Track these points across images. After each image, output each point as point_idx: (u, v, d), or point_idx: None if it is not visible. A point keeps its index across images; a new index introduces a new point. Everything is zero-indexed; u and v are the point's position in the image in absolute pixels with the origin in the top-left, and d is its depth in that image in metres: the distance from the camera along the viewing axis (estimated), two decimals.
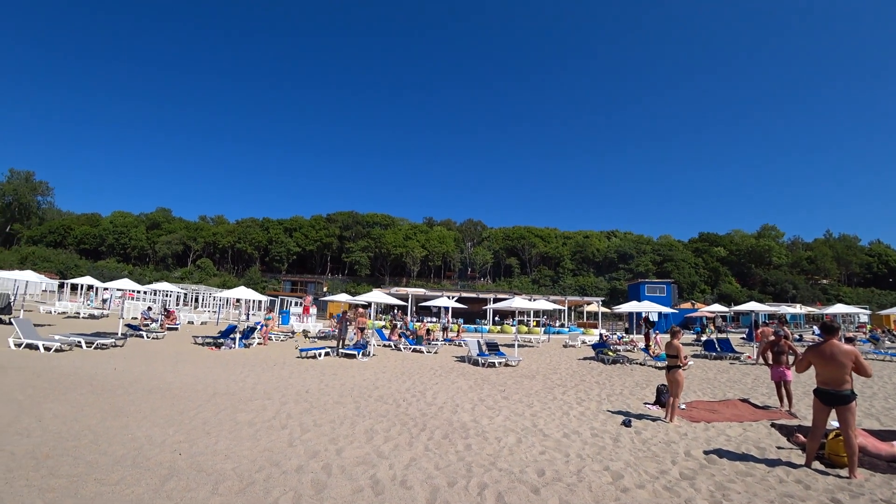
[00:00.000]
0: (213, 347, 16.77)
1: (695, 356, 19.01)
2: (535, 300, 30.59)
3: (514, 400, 9.76)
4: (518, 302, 24.18)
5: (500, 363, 15.45)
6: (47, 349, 13.17)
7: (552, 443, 6.64)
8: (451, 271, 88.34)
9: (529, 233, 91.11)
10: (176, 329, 23.45)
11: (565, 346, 23.75)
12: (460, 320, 35.36)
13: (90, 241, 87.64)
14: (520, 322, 35.22)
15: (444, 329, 27.81)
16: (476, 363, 15.56)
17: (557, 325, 37.77)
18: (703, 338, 26.09)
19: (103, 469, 4.88)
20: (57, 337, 14.29)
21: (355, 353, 16.06)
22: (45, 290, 41.71)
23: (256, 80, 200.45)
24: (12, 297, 24.86)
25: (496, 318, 38.47)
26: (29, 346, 13.30)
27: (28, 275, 24.78)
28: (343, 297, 26.31)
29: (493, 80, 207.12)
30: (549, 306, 26.98)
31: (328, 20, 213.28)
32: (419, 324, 27.08)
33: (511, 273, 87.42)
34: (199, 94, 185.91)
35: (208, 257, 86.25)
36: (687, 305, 49.56)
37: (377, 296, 22.74)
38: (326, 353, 15.97)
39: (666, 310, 27.31)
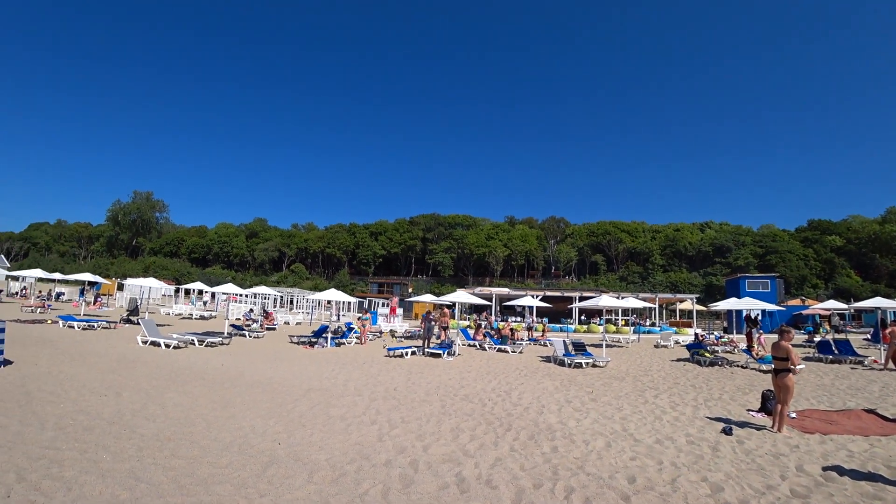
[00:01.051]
0: (308, 346, 17.86)
1: (806, 359, 17.30)
2: (623, 298, 29.39)
3: (603, 402, 9.47)
4: (605, 300, 23.36)
5: (587, 364, 15.04)
6: (167, 346, 14.72)
7: (644, 448, 6.37)
8: (534, 270, 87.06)
9: (615, 228, 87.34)
10: (274, 329, 25.24)
11: (657, 347, 22.58)
12: (545, 319, 34.81)
13: (199, 250, 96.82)
14: (607, 321, 34.00)
15: (529, 329, 27.52)
16: (562, 363, 15.26)
17: (648, 324, 35.96)
18: (817, 338, 23.65)
19: (214, 453, 5.40)
20: (175, 336, 15.94)
21: (441, 352, 16.36)
22: (164, 295, 46.58)
23: (339, 95, 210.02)
24: (139, 301, 28.16)
25: (582, 318, 37.42)
26: (153, 344, 14.94)
27: (151, 282, 28.03)
28: (428, 298, 26.89)
29: (571, 73, 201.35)
30: (639, 304, 25.80)
31: (403, 29, 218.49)
32: (503, 323, 27.03)
33: (597, 270, 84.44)
34: (290, 112, 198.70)
35: (301, 262, 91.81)
36: (796, 302, 45.05)
37: (461, 296, 23.00)
38: (413, 353, 16.42)
39: (770, 307, 24.98)
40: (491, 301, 35.73)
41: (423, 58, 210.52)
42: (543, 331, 27.04)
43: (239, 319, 27.15)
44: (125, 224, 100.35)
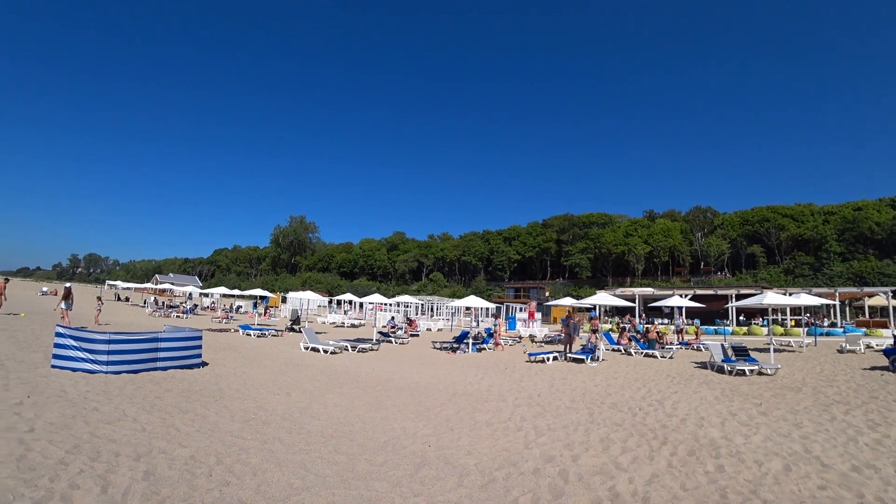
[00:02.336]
0: (450, 351, 18.42)
1: None
2: (791, 294, 25.57)
3: (776, 416, 8.28)
4: (771, 298, 20.48)
5: (751, 371, 13.33)
6: (325, 352, 16.24)
7: (836, 476, 5.40)
8: (680, 266, 79.61)
9: (775, 213, 75.11)
10: (417, 335, 26.51)
11: (841, 352, 19.16)
12: (696, 321, 31.68)
13: (347, 264, 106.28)
14: (773, 321, 29.83)
15: (679, 331, 25.27)
16: (721, 370, 13.73)
17: (826, 324, 30.75)
18: None
19: (371, 452, 5.79)
20: (331, 342, 17.54)
21: (584, 357, 15.76)
22: (319, 306, 51.68)
23: (467, 108, 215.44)
24: (300, 312, 31.60)
25: (740, 318, 33.35)
26: (313, 349, 16.59)
27: (308, 294, 31.39)
28: (567, 301, 26.14)
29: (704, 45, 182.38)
30: (813, 301, 22.13)
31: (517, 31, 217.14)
32: (649, 326, 25.19)
33: (754, 263, 74.01)
34: (422, 132, 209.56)
35: (439, 271, 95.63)
36: None
37: (602, 298, 21.92)
38: (554, 358, 16.06)
39: None
40: (634, 302, 33.54)
41: (546, 55, 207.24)
42: (696, 334, 24.63)
43: (385, 327, 29.02)
44: (285, 245, 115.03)
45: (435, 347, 19.86)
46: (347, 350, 17.14)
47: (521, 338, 25.72)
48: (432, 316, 44.14)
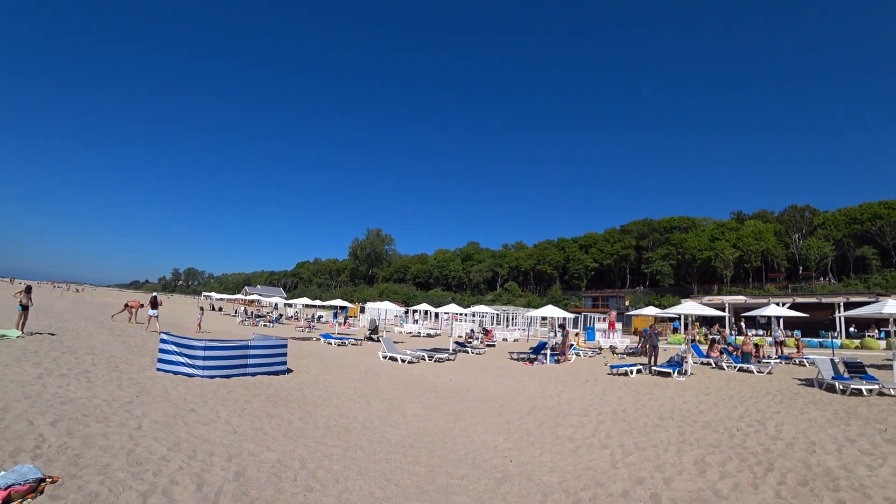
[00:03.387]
0: (527, 362, 18.01)
1: None
2: None
3: None
4: (892, 306, 18.15)
5: (869, 391, 11.79)
6: (403, 361, 16.42)
7: None
8: (775, 272, 72.54)
9: (889, 209, 65.96)
10: (493, 346, 26.23)
11: None
12: (796, 332, 28.84)
13: (422, 275, 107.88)
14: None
15: (778, 344, 23.08)
16: (832, 389, 12.28)
17: None
18: None
19: (451, 464, 5.67)
20: (408, 351, 17.73)
21: (670, 370, 14.77)
22: (396, 315, 52.73)
23: (542, 116, 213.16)
24: (377, 322, 32.40)
25: (851, 329, 29.93)
26: (391, 358, 16.84)
27: (386, 305, 32.13)
28: (650, 311, 24.81)
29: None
30: None
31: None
32: (742, 338, 23.22)
33: (865, 267, 65.28)
34: (494, 142, 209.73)
35: (513, 280, 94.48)
36: None
37: (689, 307, 20.57)
38: (638, 371, 15.19)
39: None
40: (723, 311, 31.15)
41: (618, 57, 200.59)
42: (798, 347, 22.36)
43: (461, 336, 28.99)
44: (363, 257, 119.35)
45: (512, 358, 19.51)
46: (425, 359, 17.23)
47: (600, 349, 24.66)
48: (508, 326, 43.62)
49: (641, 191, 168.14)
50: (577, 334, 32.14)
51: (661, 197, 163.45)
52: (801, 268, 70.30)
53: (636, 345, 24.66)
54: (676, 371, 14.75)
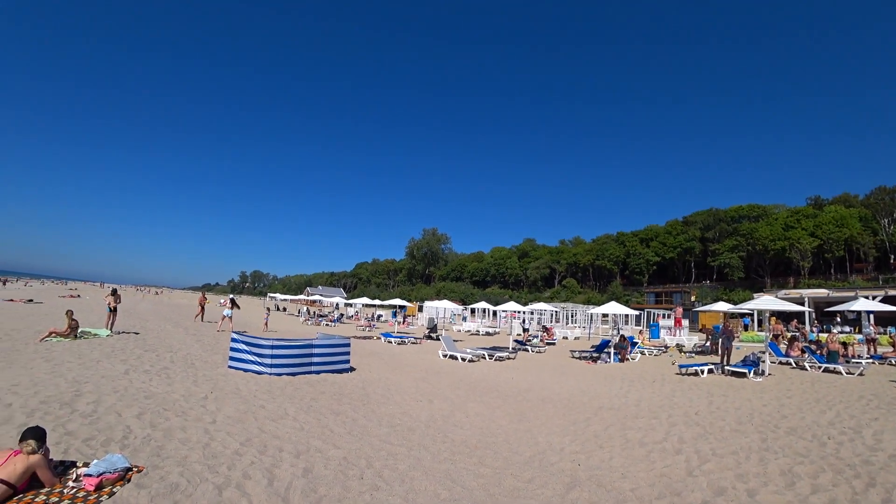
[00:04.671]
0: (590, 361, 17.50)
1: None
2: None
3: None
4: None
5: None
6: (463, 359, 16.38)
7: None
8: (861, 262, 65.89)
9: None
10: (553, 344, 25.72)
11: None
12: (890, 329, 26.38)
13: (479, 273, 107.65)
14: None
15: (870, 342, 21.20)
16: None
17: None
18: None
19: (516, 467, 5.53)
20: (468, 350, 17.67)
21: (745, 370, 13.87)
22: (454, 314, 52.89)
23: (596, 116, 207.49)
24: (436, 320, 32.58)
25: None
26: (451, 357, 16.84)
27: (445, 303, 32.29)
28: (720, 307, 23.40)
29: None
30: None
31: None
32: (825, 335, 21.49)
33: None
34: (549, 134, 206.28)
35: (571, 277, 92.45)
36: None
37: (764, 302, 19.16)
38: (710, 370, 14.37)
39: None
40: (803, 306, 28.92)
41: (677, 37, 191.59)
42: (894, 345, 20.42)
43: (520, 335, 28.64)
44: (419, 257, 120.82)
45: (573, 356, 19.04)
46: (485, 358, 17.13)
47: (666, 347, 23.58)
48: (568, 324, 42.73)
49: (705, 179, 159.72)
50: (640, 332, 31.00)
51: (727, 185, 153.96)
52: (892, 256, 64.01)
53: (705, 342, 23.41)
54: (752, 371, 13.83)
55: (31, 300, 30.36)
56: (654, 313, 41.46)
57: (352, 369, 12.10)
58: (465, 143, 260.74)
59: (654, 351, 21.39)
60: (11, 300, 29.04)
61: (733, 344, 16.13)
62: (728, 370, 14.33)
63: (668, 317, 36.74)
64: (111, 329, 15.58)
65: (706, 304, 42.70)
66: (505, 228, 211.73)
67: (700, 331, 35.74)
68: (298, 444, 5.71)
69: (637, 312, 29.13)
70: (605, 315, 38.12)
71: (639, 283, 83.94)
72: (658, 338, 28.61)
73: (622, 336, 19.36)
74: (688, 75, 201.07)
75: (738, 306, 18.68)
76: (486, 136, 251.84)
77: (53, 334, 12.90)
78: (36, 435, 4.13)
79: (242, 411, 7.02)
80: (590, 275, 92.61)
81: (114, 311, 16.05)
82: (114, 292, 16.72)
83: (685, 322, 32.92)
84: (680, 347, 23.65)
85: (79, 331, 13.72)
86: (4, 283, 61.48)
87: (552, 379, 13.07)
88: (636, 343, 20.68)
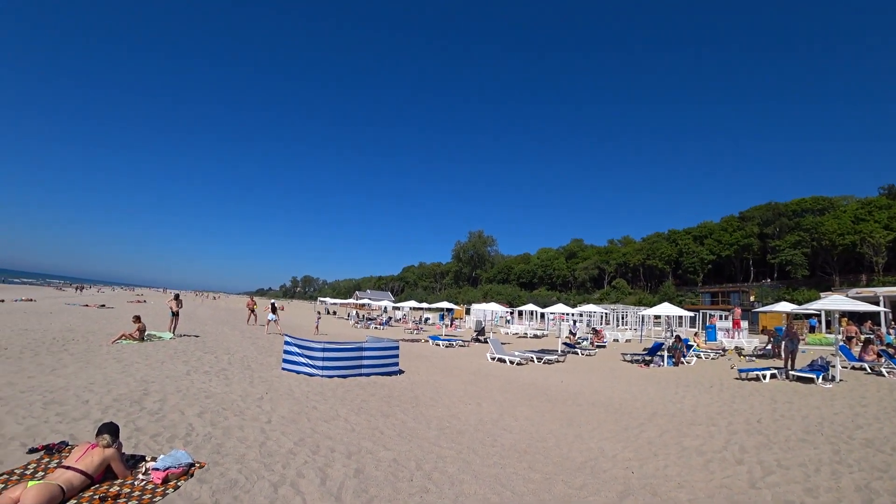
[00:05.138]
0: (642, 365, 16.96)
1: None
2: None
3: None
4: None
5: None
6: (511, 362, 16.24)
7: None
8: None
9: None
10: (604, 346, 25.09)
11: None
12: None
13: (525, 275, 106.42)
14: None
15: None
16: None
17: None
18: None
19: (567, 472, 5.42)
20: (516, 353, 17.50)
21: (813, 376, 13.05)
22: (501, 317, 52.56)
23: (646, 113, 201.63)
24: (483, 323, 32.51)
25: None
26: (499, 360, 16.73)
27: (492, 306, 32.15)
28: (783, 307, 22.13)
29: None
30: None
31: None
32: None
33: None
34: (592, 134, 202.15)
35: (621, 277, 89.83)
36: None
37: (834, 301, 17.95)
38: (773, 375, 13.61)
39: None
40: (877, 306, 26.87)
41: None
42: None
43: (569, 337, 28.14)
44: (465, 259, 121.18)
45: (625, 360, 18.50)
46: (533, 361, 16.93)
47: (724, 350, 22.52)
48: (618, 325, 41.62)
49: (762, 172, 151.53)
50: (695, 334, 29.79)
51: (787, 176, 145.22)
52: None
53: (767, 345, 22.20)
54: (821, 377, 12.99)
55: (103, 305, 32.51)
56: (709, 314, 39.66)
57: (401, 372, 12.24)
58: (509, 145, 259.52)
59: (711, 354, 20.47)
60: (87, 305, 31.18)
61: (798, 347, 15.17)
62: (793, 375, 13.53)
63: (726, 318, 35.07)
64: (174, 332, 16.43)
65: (767, 304, 40.53)
66: (551, 229, 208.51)
67: (762, 332, 33.93)
68: (350, 445, 5.83)
69: (691, 314, 28.04)
70: (657, 317, 36.93)
71: (693, 282, 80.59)
72: (715, 340, 27.35)
73: (677, 338, 18.64)
74: (739, 63, 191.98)
75: (803, 306, 17.60)
76: (530, 139, 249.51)
77: (123, 337, 13.74)
78: (110, 430, 4.43)
79: (296, 412, 7.23)
80: (640, 275, 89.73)
81: (176, 315, 16.92)
82: (176, 297, 17.64)
83: (744, 324, 31.34)
84: (739, 350, 22.52)
85: (145, 334, 14.54)
86: (81, 290, 66.06)
87: (603, 383, 12.76)
88: (691, 346, 19.86)
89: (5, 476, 4.20)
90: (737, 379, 13.73)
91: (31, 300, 32.15)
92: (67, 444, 4.99)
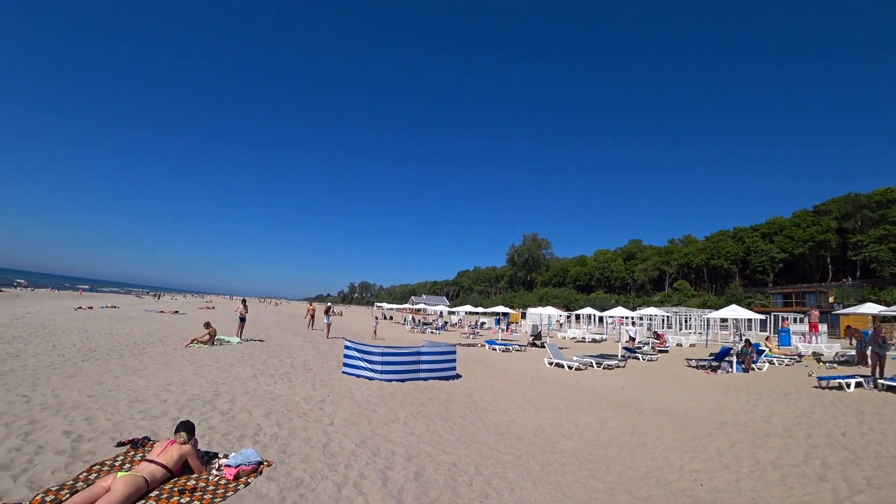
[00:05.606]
0: (709, 371, 16.14)
1: None
2: None
3: None
4: None
5: None
6: (569, 367, 15.91)
7: None
8: None
9: None
10: (666, 351, 24.09)
11: None
12: None
13: (582, 278, 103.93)
14: None
15: None
16: None
17: None
18: None
19: (631, 482, 5.24)
20: (575, 358, 17.13)
21: None
22: (556, 321, 51.62)
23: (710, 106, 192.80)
24: (539, 327, 32.05)
25: None
26: (557, 365, 16.43)
27: (549, 310, 31.71)
28: (868, 308, 20.43)
29: None
30: None
31: None
32: None
33: None
34: (654, 129, 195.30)
35: (683, 278, 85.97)
36: None
37: None
38: (858, 384, 12.57)
39: None
40: None
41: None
42: None
43: (629, 342, 27.23)
44: (520, 263, 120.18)
45: (690, 365, 17.68)
46: (592, 366, 16.52)
47: (800, 356, 21.06)
48: (681, 329, 39.89)
49: (838, 160, 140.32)
50: (767, 338, 28.03)
51: (869, 165, 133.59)
52: None
53: (851, 351, 20.55)
54: None
55: (176, 311, 34.65)
56: (782, 317, 37.21)
57: (458, 376, 12.28)
58: (562, 148, 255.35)
59: (786, 360, 19.19)
60: (162, 311, 33.34)
61: (888, 353, 13.96)
62: (882, 384, 12.44)
63: (801, 321, 32.81)
64: (241, 337, 17.27)
65: (849, 305, 37.58)
66: (608, 230, 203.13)
67: (847, 336, 31.44)
68: (409, 448, 5.90)
69: (762, 316, 26.43)
70: (723, 320, 35.12)
71: (762, 283, 75.83)
72: (789, 345, 25.64)
73: (746, 342, 17.62)
74: (814, 43, 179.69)
75: (893, 308, 16.20)
76: (582, 143, 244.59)
77: (196, 341, 14.60)
78: (187, 428, 4.72)
79: (357, 415, 7.41)
80: (704, 276, 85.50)
81: (243, 320, 17.79)
82: (243, 302, 18.57)
83: (822, 327, 29.14)
84: (818, 356, 20.99)
85: (215, 338, 15.37)
86: (158, 297, 70.93)
87: (666, 389, 12.25)
88: (763, 351, 18.70)
89: (98, 466, 4.59)
90: (816, 387, 12.79)
91: (115, 307, 34.77)
92: (150, 440, 5.36)
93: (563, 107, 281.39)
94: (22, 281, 78.17)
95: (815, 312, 30.41)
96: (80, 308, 29.01)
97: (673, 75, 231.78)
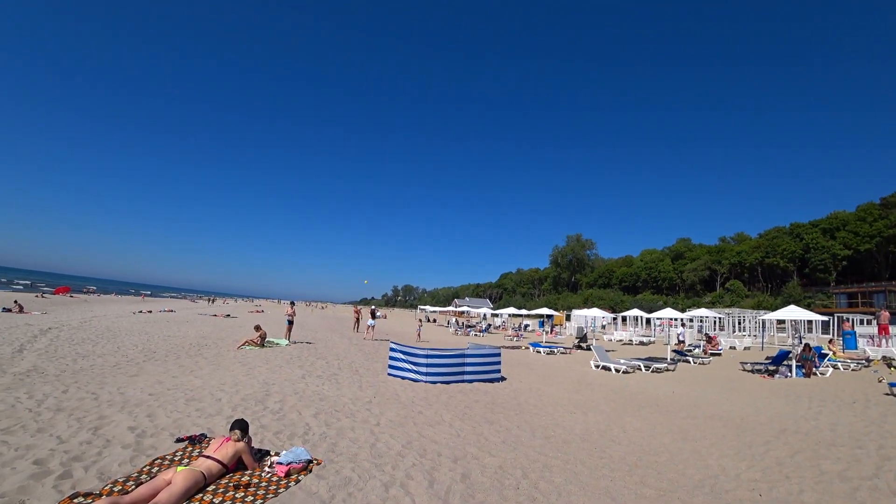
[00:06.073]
0: (766, 375, 15.40)
1: None
2: None
3: None
4: None
5: None
6: (617, 371, 15.54)
7: None
8: None
9: None
10: (719, 354, 23.13)
11: None
12: None
13: (628, 279, 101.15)
14: None
15: None
16: None
17: None
18: None
19: (684, 490, 5.06)
20: (622, 360, 16.72)
21: None
22: (603, 324, 50.47)
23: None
24: (585, 329, 31.47)
25: None
26: (604, 368, 16.08)
27: (594, 312, 31.07)
28: None
29: None
30: None
31: None
32: None
33: None
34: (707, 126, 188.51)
35: (736, 278, 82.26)
36: None
37: None
38: None
39: None
40: None
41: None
42: None
43: (679, 344, 26.33)
44: (564, 264, 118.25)
45: (744, 369, 16.91)
46: (640, 369, 16.08)
47: (868, 360, 19.73)
48: (734, 331, 38.22)
49: None
50: (830, 341, 26.44)
51: None
52: None
53: None
54: None
55: (228, 315, 36.11)
56: (846, 318, 35.01)
57: (503, 379, 12.22)
58: (606, 147, 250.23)
59: (852, 364, 18.02)
60: (215, 315, 34.83)
61: None
62: None
63: (869, 322, 30.77)
64: (289, 339, 17.79)
65: None
66: (654, 230, 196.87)
67: None
68: (455, 450, 5.91)
69: (824, 318, 24.91)
70: (780, 321, 33.42)
71: (823, 282, 71.55)
72: (855, 348, 24.07)
73: (807, 346, 16.69)
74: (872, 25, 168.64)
75: None
76: (628, 141, 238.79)
77: (247, 343, 15.15)
78: (241, 426, 4.91)
79: (402, 416, 7.49)
80: (758, 275, 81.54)
81: (291, 322, 18.32)
82: (291, 304, 19.15)
83: (893, 329, 27.20)
84: (889, 361, 19.62)
85: (265, 340, 15.89)
86: (212, 302, 74.17)
87: (720, 394, 11.77)
88: (825, 355, 17.65)
89: (159, 460, 4.85)
90: (887, 394, 11.96)
91: (172, 311, 36.53)
92: (206, 437, 5.61)
93: (609, 108, 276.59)
94: (91, 287, 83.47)
95: (885, 313, 28.38)
96: (140, 312, 30.66)
97: (725, 70, 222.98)
